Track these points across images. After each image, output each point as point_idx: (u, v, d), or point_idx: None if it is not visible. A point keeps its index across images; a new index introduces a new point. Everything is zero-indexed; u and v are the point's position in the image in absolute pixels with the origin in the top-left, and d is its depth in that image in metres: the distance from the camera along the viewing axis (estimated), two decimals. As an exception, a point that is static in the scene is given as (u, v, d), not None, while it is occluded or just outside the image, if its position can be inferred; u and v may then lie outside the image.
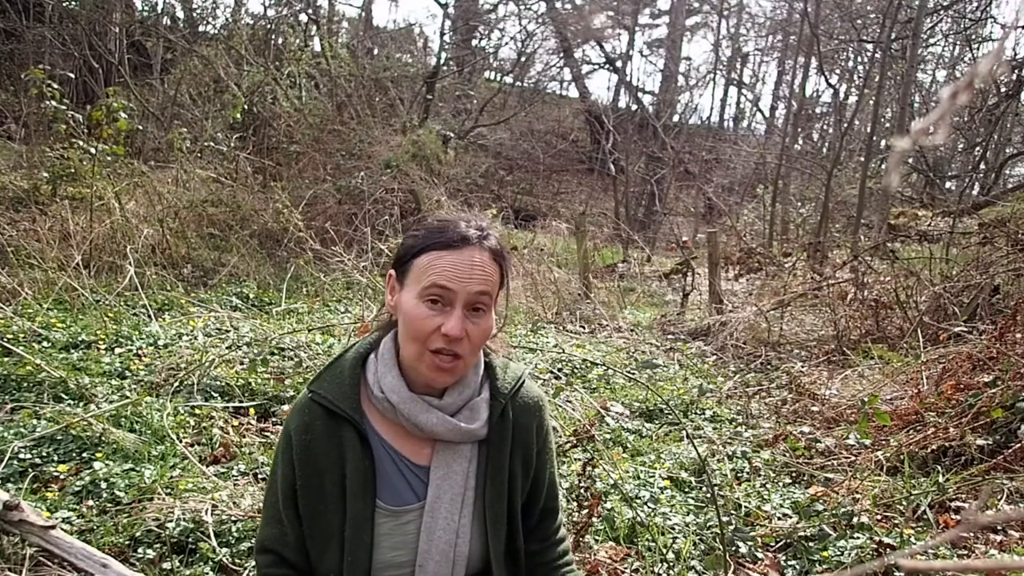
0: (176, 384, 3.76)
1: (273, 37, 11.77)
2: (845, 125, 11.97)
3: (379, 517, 1.45)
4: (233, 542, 2.49)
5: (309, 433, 1.47)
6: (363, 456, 1.46)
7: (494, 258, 1.46)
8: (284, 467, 1.48)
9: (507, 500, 1.52)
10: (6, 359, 3.75)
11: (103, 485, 2.75)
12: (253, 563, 1.55)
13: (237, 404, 3.71)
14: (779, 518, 2.94)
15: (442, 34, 18.26)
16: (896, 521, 2.85)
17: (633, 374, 5.08)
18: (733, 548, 2.68)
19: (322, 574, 1.46)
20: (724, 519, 2.76)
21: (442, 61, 16.25)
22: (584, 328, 7.10)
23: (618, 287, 9.10)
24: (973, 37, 13.73)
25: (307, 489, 1.46)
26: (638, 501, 2.98)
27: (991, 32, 13.29)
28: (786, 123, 17.43)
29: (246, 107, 9.39)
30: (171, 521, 2.51)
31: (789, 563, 2.65)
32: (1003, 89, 10.52)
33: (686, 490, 3.25)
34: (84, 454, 2.99)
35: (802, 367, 5.38)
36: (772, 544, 2.77)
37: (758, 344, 6.19)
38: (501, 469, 1.50)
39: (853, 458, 3.44)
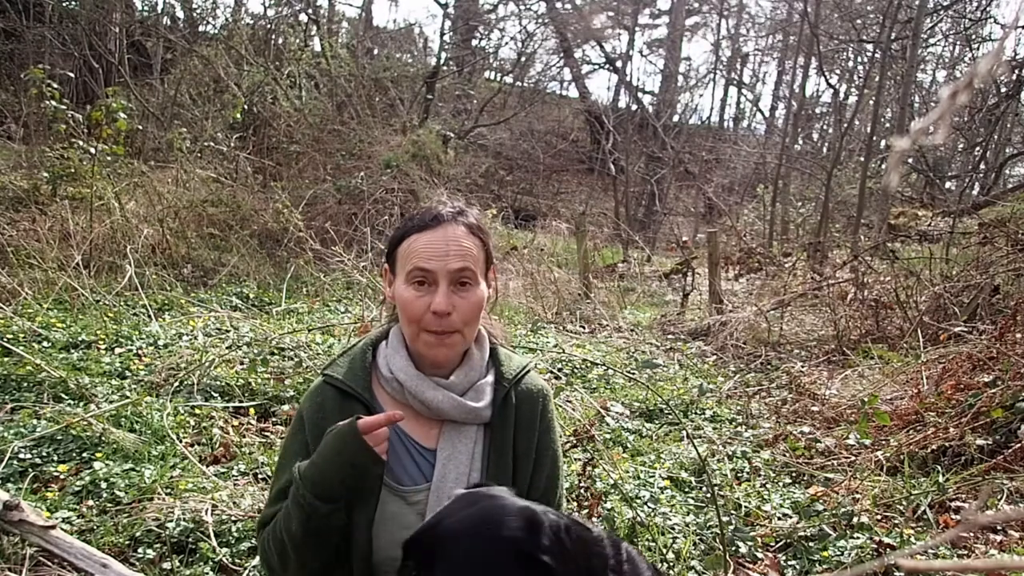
0: (176, 384, 3.76)
1: (273, 37, 11.76)
2: (845, 125, 11.96)
3: (386, 497, 1.49)
4: (233, 542, 2.49)
5: (322, 412, 1.52)
6: None
7: (472, 232, 1.51)
8: (297, 448, 1.53)
9: (512, 484, 1.54)
10: (6, 359, 3.75)
11: (103, 485, 2.75)
12: (257, 539, 1.59)
13: (237, 404, 3.71)
14: (779, 518, 2.94)
15: (442, 34, 18.27)
16: (896, 521, 2.85)
17: (633, 374, 5.08)
18: (733, 548, 2.68)
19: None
20: (724, 519, 2.76)
21: (442, 61, 16.24)
22: (584, 328, 7.10)
23: (618, 287, 9.10)
24: (973, 37, 13.73)
25: None
26: (638, 501, 2.98)
27: (991, 32, 13.29)
28: (786, 123, 17.44)
29: (246, 107, 9.39)
30: (171, 521, 2.51)
31: (789, 563, 2.65)
32: (1003, 89, 10.52)
33: (686, 490, 3.25)
34: (84, 454, 2.99)
35: (802, 367, 5.38)
36: (772, 544, 2.77)
37: (758, 344, 6.19)
38: (504, 453, 1.54)
39: (853, 458, 3.44)
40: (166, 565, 2.35)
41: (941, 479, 3.04)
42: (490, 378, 1.57)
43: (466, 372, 1.54)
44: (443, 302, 1.45)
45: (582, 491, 2.80)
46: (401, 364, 1.53)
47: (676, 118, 21.78)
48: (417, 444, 1.54)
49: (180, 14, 13.05)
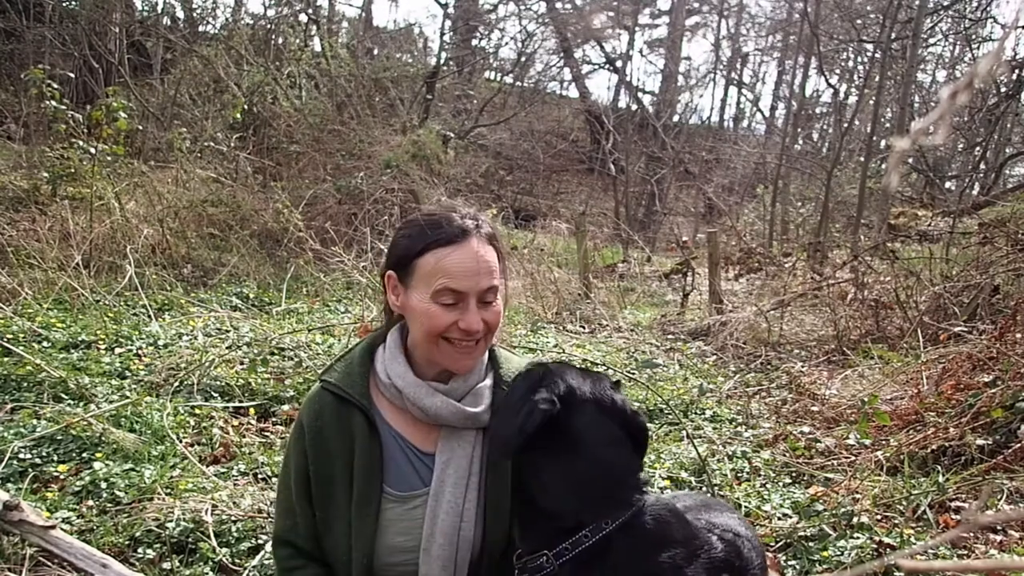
0: (176, 384, 3.76)
1: (273, 37, 11.76)
2: (845, 125, 11.96)
3: (386, 503, 1.48)
4: (233, 542, 2.50)
5: (320, 419, 1.51)
6: (371, 441, 1.49)
7: (490, 242, 1.51)
8: (297, 457, 1.52)
9: (510, 488, 1.53)
10: (6, 359, 3.75)
11: (103, 485, 2.75)
12: (272, 557, 1.60)
13: (237, 404, 3.71)
14: (779, 518, 2.94)
15: (442, 34, 18.26)
16: (896, 521, 2.85)
17: (633, 374, 5.08)
18: (733, 548, 2.67)
19: (335, 559, 1.50)
20: (724, 519, 2.76)
21: (442, 61, 16.24)
22: (584, 328, 7.10)
23: (618, 287, 9.09)
24: (973, 37, 13.72)
25: (318, 474, 1.50)
26: (638, 501, 2.97)
27: (991, 32, 13.28)
28: (786, 123, 17.44)
29: (246, 107, 9.38)
30: (171, 521, 2.51)
31: (789, 563, 2.65)
32: (1003, 89, 10.52)
33: (686, 490, 3.25)
34: (84, 454, 2.99)
35: (802, 367, 5.38)
36: (772, 544, 2.77)
37: (758, 344, 6.18)
38: None
39: (853, 458, 3.44)
40: (166, 565, 2.35)
41: (941, 479, 3.04)
42: (488, 381, 1.56)
43: (465, 376, 1.52)
44: (475, 321, 1.44)
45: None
46: (399, 370, 1.51)
47: (676, 118, 21.77)
48: (416, 449, 1.52)
49: (180, 14, 13.06)
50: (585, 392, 1.42)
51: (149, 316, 5.08)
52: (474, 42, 19.44)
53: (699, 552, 1.36)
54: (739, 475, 3.41)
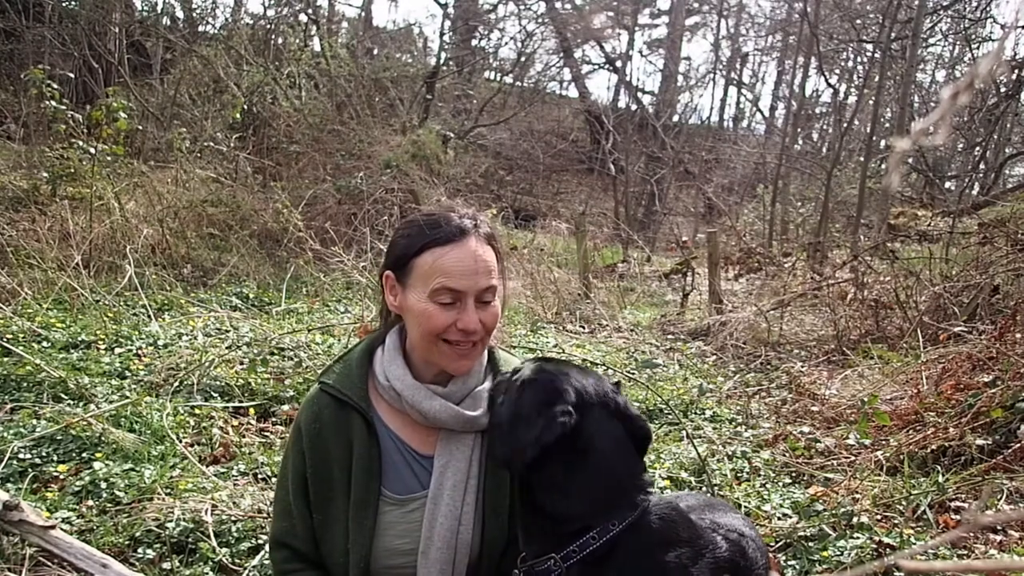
0: (176, 384, 3.76)
1: (273, 37, 11.76)
2: (845, 125, 11.96)
3: (384, 505, 1.47)
4: (233, 542, 2.49)
5: (318, 422, 1.50)
6: (369, 443, 1.49)
7: (488, 242, 1.50)
8: (295, 459, 1.52)
9: (509, 491, 1.53)
10: (6, 359, 3.75)
11: (103, 485, 2.75)
12: (269, 559, 1.59)
13: (237, 404, 3.71)
14: (779, 518, 2.94)
15: (442, 34, 18.25)
16: (896, 521, 2.85)
17: (633, 374, 5.08)
18: (733, 548, 2.67)
19: (333, 562, 1.50)
20: (724, 519, 2.75)
21: (442, 61, 16.24)
22: (584, 328, 7.10)
23: (618, 287, 9.09)
24: (973, 37, 13.71)
25: (316, 477, 1.49)
26: (638, 501, 2.97)
27: (991, 32, 13.27)
28: (786, 123, 17.43)
29: (246, 107, 9.38)
30: (171, 521, 2.51)
31: (789, 563, 2.65)
32: (1003, 89, 10.52)
33: (686, 490, 3.24)
34: (84, 454, 2.99)
35: (802, 367, 5.38)
36: (772, 544, 2.77)
37: (758, 344, 6.18)
38: None
39: (853, 458, 3.44)
40: (166, 565, 2.35)
41: (941, 479, 3.04)
42: (487, 384, 1.55)
43: (464, 379, 1.52)
44: (472, 320, 1.43)
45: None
46: (398, 373, 1.50)
47: (676, 118, 21.75)
48: (414, 452, 1.51)
49: (180, 14, 13.05)
50: (591, 396, 1.43)
51: (149, 316, 5.08)
52: (474, 42, 19.43)
53: (704, 552, 1.36)
54: (739, 475, 3.41)
